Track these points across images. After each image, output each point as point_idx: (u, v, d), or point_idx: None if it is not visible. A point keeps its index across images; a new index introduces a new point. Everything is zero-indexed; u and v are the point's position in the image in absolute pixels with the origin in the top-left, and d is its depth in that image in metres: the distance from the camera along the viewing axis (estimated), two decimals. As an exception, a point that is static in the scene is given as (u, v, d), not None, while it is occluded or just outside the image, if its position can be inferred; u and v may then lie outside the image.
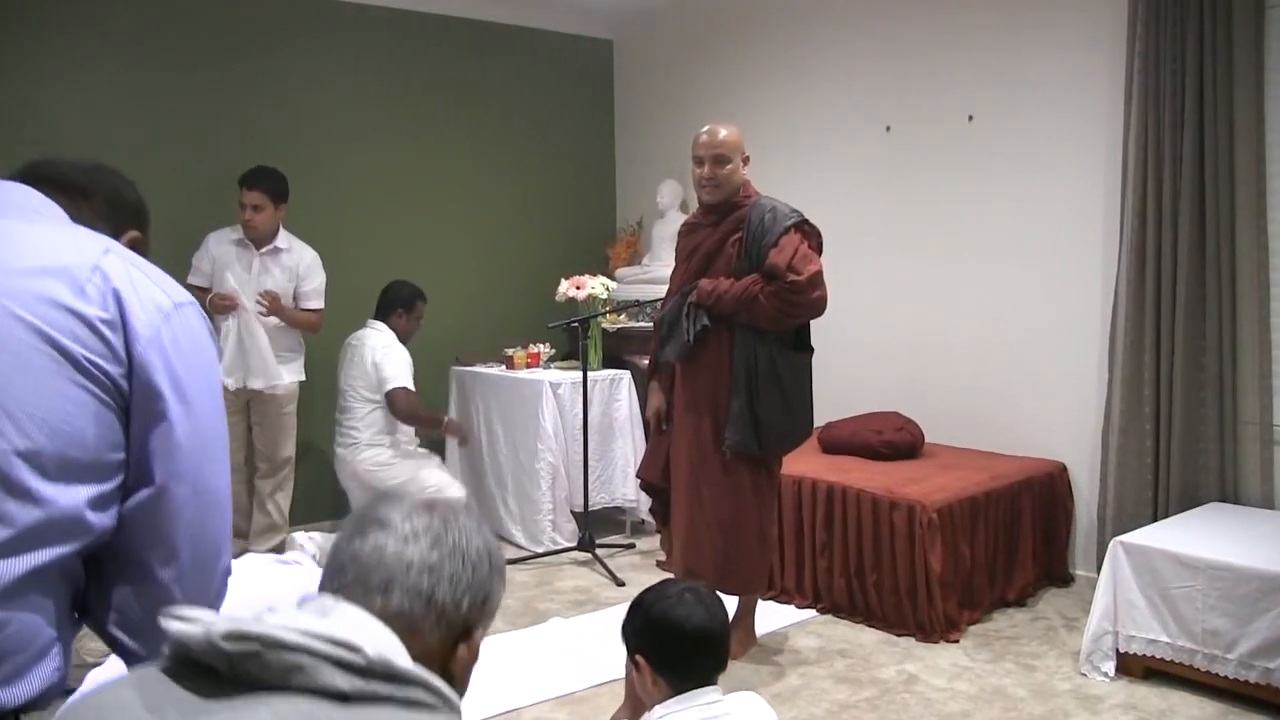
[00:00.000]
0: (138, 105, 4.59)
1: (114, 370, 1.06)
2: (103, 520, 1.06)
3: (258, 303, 4.27)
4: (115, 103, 4.55)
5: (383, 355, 4.55)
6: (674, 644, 1.82)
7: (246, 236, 4.31)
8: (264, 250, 4.34)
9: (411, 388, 4.56)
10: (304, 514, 4.77)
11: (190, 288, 4.28)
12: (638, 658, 1.84)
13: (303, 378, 4.54)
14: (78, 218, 1.24)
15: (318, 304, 4.49)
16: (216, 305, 4.21)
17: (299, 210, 5.02)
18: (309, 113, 5.06)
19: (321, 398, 4.92)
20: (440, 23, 5.46)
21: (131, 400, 1.07)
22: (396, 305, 4.71)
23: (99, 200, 1.30)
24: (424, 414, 4.64)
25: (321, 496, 4.93)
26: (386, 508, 1.05)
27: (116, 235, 1.27)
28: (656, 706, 1.81)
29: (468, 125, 5.60)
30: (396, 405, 4.52)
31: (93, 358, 1.05)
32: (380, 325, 4.68)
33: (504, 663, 3.43)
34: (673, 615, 1.82)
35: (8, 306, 1.03)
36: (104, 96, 4.52)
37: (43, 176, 1.26)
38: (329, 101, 5.12)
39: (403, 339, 4.67)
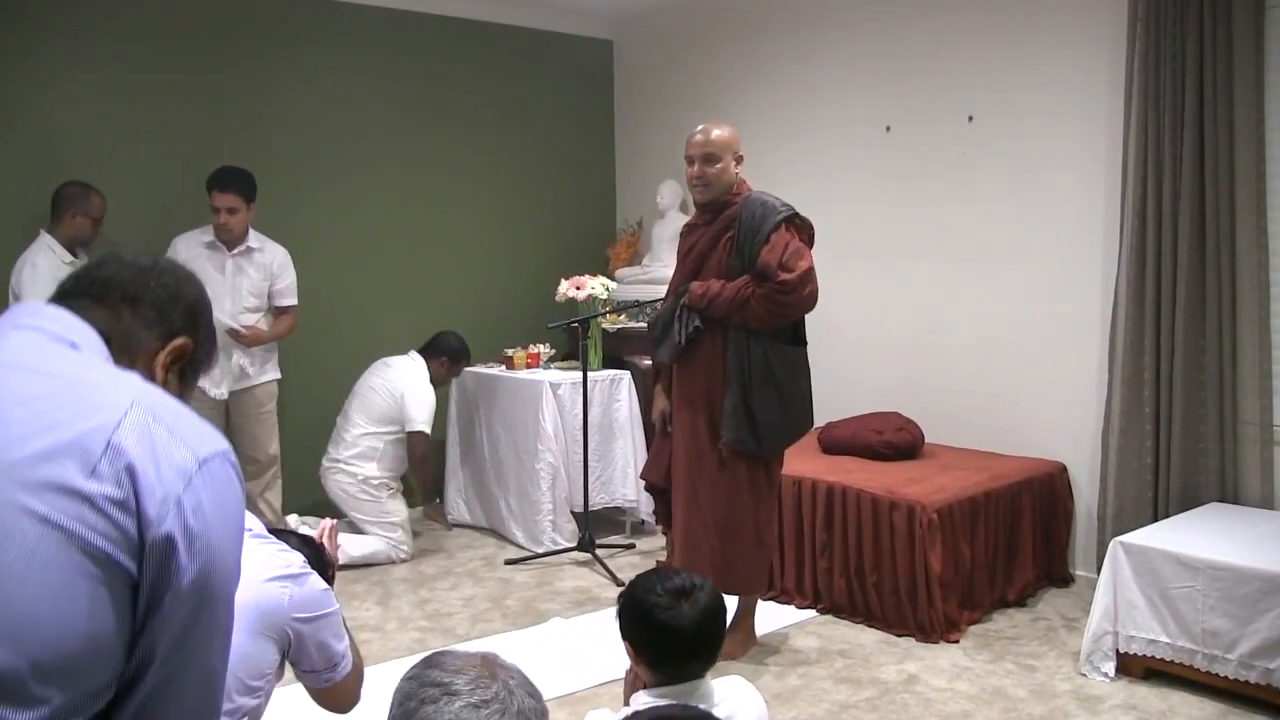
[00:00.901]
0: (135, 107, 4.58)
1: (124, 554, 1.00)
2: (104, 703, 1.02)
3: (240, 335, 4.28)
4: (112, 104, 4.53)
5: (413, 391, 4.62)
6: (662, 646, 1.82)
7: (219, 239, 4.28)
8: (236, 251, 4.32)
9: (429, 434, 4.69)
10: (296, 511, 4.79)
11: None
12: (627, 644, 1.85)
13: (279, 375, 4.57)
14: (119, 332, 1.19)
15: (292, 301, 4.52)
16: None
17: (300, 212, 5.03)
18: (308, 113, 5.06)
19: (302, 395, 4.94)
20: (440, 23, 5.46)
21: (142, 576, 1.02)
22: (443, 353, 4.81)
23: (146, 307, 1.23)
24: (426, 469, 4.73)
25: (311, 493, 4.87)
26: (449, 675, 1.13)
27: (165, 342, 1.24)
28: (640, 692, 1.82)
29: (468, 126, 5.59)
30: (416, 449, 4.63)
31: (103, 544, 0.99)
32: (420, 360, 4.75)
33: (504, 663, 3.43)
34: (661, 619, 1.81)
35: (18, 499, 0.97)
36: (101, 99, 4.50)
37: (85, 288, 1.22)
38: (328, 102, 5.12)
39: (433, 383, 4.73)
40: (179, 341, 1.24)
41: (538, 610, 3.98)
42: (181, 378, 1.27)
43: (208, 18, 4.76)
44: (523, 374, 4.96)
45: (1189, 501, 3.67)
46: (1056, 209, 4.19)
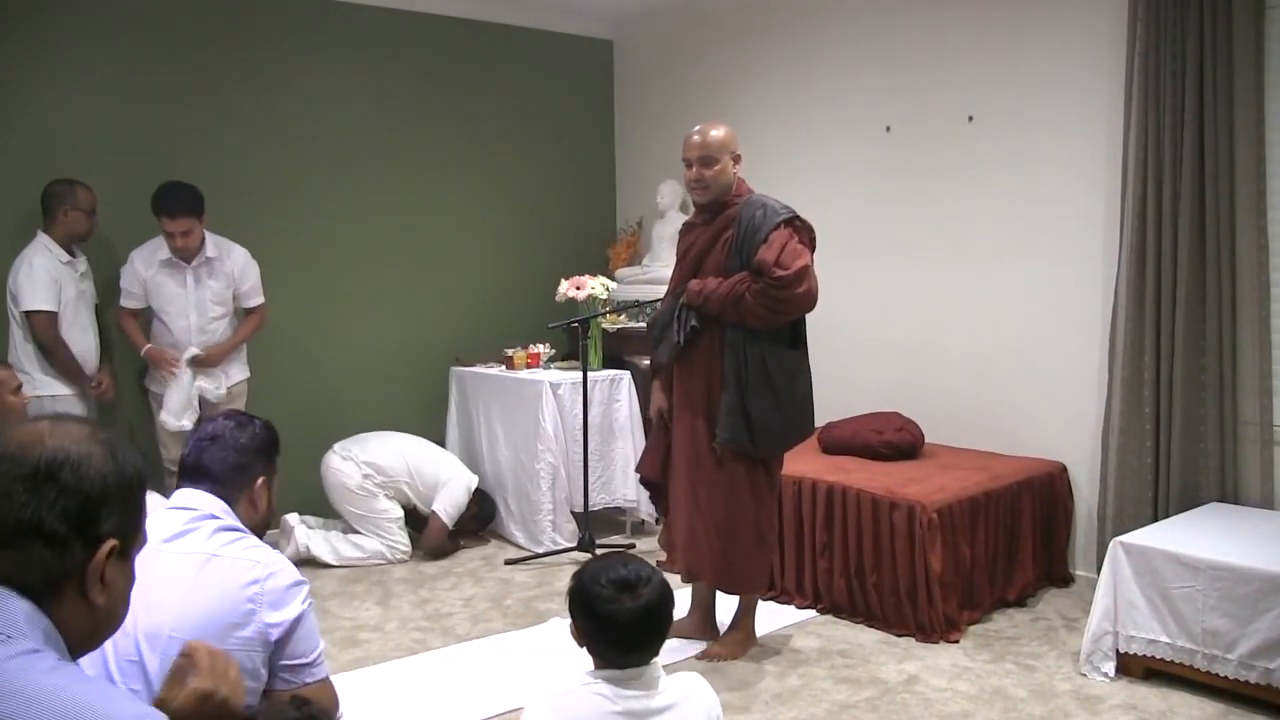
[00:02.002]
0: (132, 107, 4.56)
1: None
2: None
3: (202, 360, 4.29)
4: (107, 105, 4.52)
5: (453, 489, 4.71)
6: (602, 636, 1.81)
7: (176, 257, 4.24)
8: (196, 264, 4.27)
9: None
10: (279, 509, 4.77)
11: (124, 310, 4.25)
12: (573, 626, 1.86)
13: (247, 374, 4.56)
14: (39, 579, 1.05)
15: (259, 300, 4.51)
16: (155, 357, 4.23)
17: (298, 212, 5.02)
18: (306, 114, 5.05)
19: (301, 392, 4.95)
20: (440, 23, 5.46)
21: None
22: (479, 504, 4.87)
23: (54, 527, 1.07)
24: (437, 551, 4.74)
25: (298, 491, 4.83)
26: None
27: (90, 552, 1.08)
28: (584, 673, 1.82)
29: (468, 126, 5.59)
30: (431, 534, 4.68)
31: None
32: (475, 482, 4.83)
33: (504, 663, 3.43)
34: (603, 611, 1.81)
35: None
36: (97, 100, 4.49)
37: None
38: (326, 102, 5.11)
39: (457, 513, 4.76)
40: (106, 548, 1.08)
41: (538, 610, 3.98)
42: (122, 559, 1.13)
43: (206, 19, 4.74)
44: (523, 374, 4.96)
45: (1189, 501, 3.67)
46: (1057, 209, 4.18)
